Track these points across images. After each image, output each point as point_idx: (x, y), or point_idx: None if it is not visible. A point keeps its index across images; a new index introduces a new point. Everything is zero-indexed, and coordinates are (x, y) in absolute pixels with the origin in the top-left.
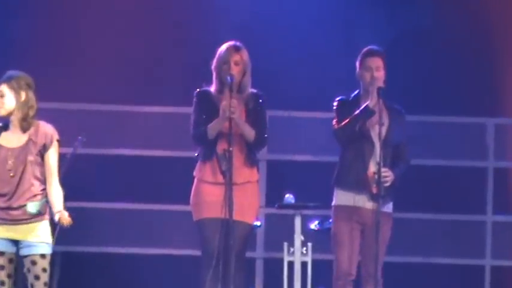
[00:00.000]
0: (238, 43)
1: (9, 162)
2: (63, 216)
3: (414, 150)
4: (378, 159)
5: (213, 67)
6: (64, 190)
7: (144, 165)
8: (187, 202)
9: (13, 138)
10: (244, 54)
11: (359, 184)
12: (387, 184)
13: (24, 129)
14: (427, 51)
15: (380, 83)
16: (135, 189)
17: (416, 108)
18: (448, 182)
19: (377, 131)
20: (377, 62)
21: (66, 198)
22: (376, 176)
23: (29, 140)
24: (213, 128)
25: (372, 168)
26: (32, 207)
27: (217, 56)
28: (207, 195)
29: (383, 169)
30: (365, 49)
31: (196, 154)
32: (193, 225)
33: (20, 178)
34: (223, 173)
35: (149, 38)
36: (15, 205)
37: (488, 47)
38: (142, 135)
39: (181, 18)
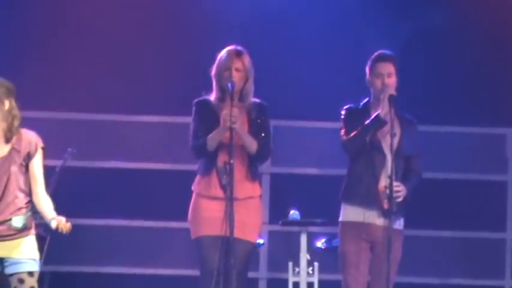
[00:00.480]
0: (239, 47)
1: None
2: (61, 222)
3: (427, 163)
4: (389, 172)
5: (212, 74)
6: (53, 205)
7: (138, 178)
8: (185, 218)
9: None
10: (246, 60)
11: (369, 199)
12: (399, 200)
13: (7, 140)
14: (442, 56)
15: (392, 91)
16: (129, 204)
17: (430, 118)
18: (465, 197)
19: (388, 142)
20: (388, 68)
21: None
22: (387, 191)
23: (12, 149)
24: (213, 139)
25: (383, 182)
26: (18, 221)
27: (217, 61)
28: (206, 211)
29: (395, 183)
30: (375, 54)
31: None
32: (192, 243)
33: (4, 190)
34: (223, 187)
35: (144, 44)
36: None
37: (509, 51)
38: (137, 147)
39: (179, 23)
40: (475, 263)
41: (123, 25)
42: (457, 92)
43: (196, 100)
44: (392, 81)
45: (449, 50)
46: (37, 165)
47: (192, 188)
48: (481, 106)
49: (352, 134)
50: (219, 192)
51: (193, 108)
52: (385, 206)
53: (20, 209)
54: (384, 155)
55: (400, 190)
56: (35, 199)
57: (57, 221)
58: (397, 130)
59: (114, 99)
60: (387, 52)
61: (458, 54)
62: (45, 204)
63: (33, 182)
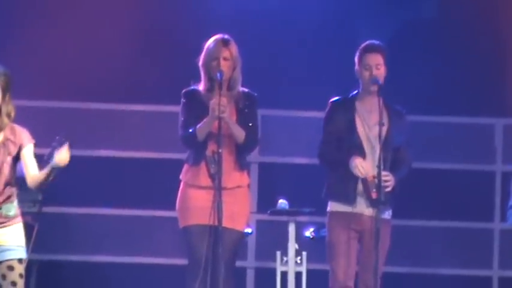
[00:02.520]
0: (226, 36)
1: None
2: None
3: (416, 153)
4: (377, 162)
5: (200, 64)
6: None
7: (126, 167)
8: (173, 207)
9: None
10: (234, 49)
11: (354, 195)
12: (388, 189)
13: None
14: (431, 47)
15: (380, 81)
16: (117, 193)
17: (419, 108)
18: (453, 187)
19: (376, 132)
20: (377, 59)
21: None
22: (376, 180)
23: (7, 139)
24: (202, 129)
25: (371, 172)
26: (9, 208)
27: (204, 51)
28: (195, 200)
29: (383, 173)
30: (364, 44)
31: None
32: (180, 232)
33: None
34: (211, 176)
35: (132, 33)
36: None
37: (498, 42)
38: (125, 136)
39: (167, 12)
40: (463, 253)
41: (113, 14)
42: (445, 82)
43: (184, 90)
44: (380, 72)
45: (437, 40)
46: (30, 154)
47: (180, 177)
48: (469, 96)
49: (327, 156)
50: (207, 182)
51: (182, 99)
52: (374, 195)
53: (9, 197)
54: (364, 154)
55: (389, 180)
56: (31, 180)
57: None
58: (386, 120)
59: (101, 88)
60: (376, 42)
61: (447, 44)
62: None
63: (28, 167)
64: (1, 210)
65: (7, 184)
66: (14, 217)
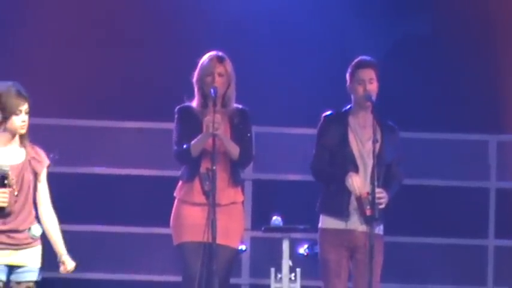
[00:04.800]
0: (221, 53)
1: (12, 179)
2: (68, 263)
3: (409, 169)
4: (369, 178)
5: (194, 80)
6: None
7: (120, 184)
8: (167, 224)
9: (11, 154)
10: (228, 65)
11: (348, 210)
12: (382, 206)
13: (23, 145)
14: (424, 62)
15: (373, 97)
16: (111, 210)
17: (412, 124)
18: (447, 203)
19: (369, 148)
20: (370, 74)
21: (37, 220)
22: (370, 197)
23: (32, 158)
24: (196, 145)
25: (364, 189)
26: (37, 230)
27: (198, 67)
28: (189, 217)
29: (377, 190)
30: (356, 60)
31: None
32: (174, 249)
33: (26, 197)
34: (206, 193)
35: (125, 50)
36: (20, 228)
37: (491, 59)
38: (119, 153)
39: (160, 29)
40: (458, 270)
41: (106, 31)
42: (439, 98)
43: (178, 107)
44: (373, 87)
45: (432, 56)
46: (46, 180)
47: (174, 194)
48: (463, 112)
49: (319, 172)
50: (201, 199)
51: (176, 115)
52: (368, 212)
53: (34, 218)
54: (357, 167)
55: (383, 197)
56: (44, 216)
57: (66, 262)
58: (378, 136)
59: (95, 105)
60: (367, 58)
61: (441, 61)
62: (55, 229)
63: (44, 196)
64: (30, 231)
65: (32, 204)
66: (38, 238)
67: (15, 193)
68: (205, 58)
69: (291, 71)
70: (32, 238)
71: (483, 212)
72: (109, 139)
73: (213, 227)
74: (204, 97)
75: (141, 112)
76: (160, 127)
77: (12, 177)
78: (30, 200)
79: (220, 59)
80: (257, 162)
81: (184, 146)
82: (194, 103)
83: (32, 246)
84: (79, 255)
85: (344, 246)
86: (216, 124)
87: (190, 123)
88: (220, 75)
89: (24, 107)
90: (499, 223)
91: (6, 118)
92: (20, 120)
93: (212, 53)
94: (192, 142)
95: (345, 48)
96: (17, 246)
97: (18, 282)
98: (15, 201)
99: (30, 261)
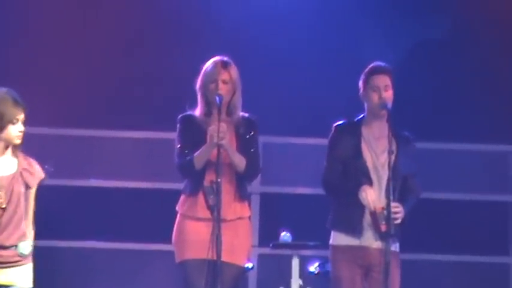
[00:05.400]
0: (226, 58)
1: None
2: None
3: (426, 182)
4: (384, 192)
5: (197, 87)
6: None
7: (119, 198)
8: (169, 241)
9: (2, 164)
10: (234, 71)
11: (361, 225)
12: (398, 221)
13: (15, 155)
14: (441, 68)
15: (389, 105)
16: (109, 226)
17: (428, 135)
18: (465, 218)
19: (384, 160)
20: (385, 80)
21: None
22: (385, 212)
23: (24, 169)
24: (200, 157)
25: (379, 203)
26: (25, 248)
27: (202, 74)
28: (192, 233)
29: (393, 204)
30: (370, 66)
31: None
32: (176, 267)
33: (15, 211)
34: (210, 208)
35: (124, 57)
36: (6, 243)
37: None
38: (117, 164)
39: (160, 35)
40: None
41: (102, 38)
42: (458, 107)
43: (180, 116)
44: (389, 94)
45: (449, 61)
46: (34, 195)
47: (177, 208)
48: (483, 122)
49: (331, 186)
50: (206, 213)
51: (178, 125)
52: (383, 228)
53: (24, 234)
54: (371, 181)
55: (399, 211)
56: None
57: None
58: (394, 148)
59: (92, 114)
60: (382, 64)
61: (459, 66)
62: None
63: (27, 211)
64: (17, 249)
65: (22, 219)
66: (28, 256)
67: (3, 205)
68: (209, 64)
69: (300, 77)
70: (20, 256)
71: (504, 227)
72: (106, 150)
73: (217, 243)
74: (208, 105)
75: (141, 121)
76: (161, 137)
77: (1, 188)
78: (20, 214)
79: (224, 65)
80: (265, 174)
81: (188, 158)
82: (197, 112)
83: (21, 265)
84: (75, 272)
85: (357, 264)
86: (221, 134)
87: (193, 133)
88: (224, 82)
89: (21, 116)
90: None
91: (1, 127)
92: (17, 130)
93: (216, 58)
94: (196, 154)
95: (357, 53)
96: (3, 264)
97: None
98: (2, 215)
99: (19, 280)
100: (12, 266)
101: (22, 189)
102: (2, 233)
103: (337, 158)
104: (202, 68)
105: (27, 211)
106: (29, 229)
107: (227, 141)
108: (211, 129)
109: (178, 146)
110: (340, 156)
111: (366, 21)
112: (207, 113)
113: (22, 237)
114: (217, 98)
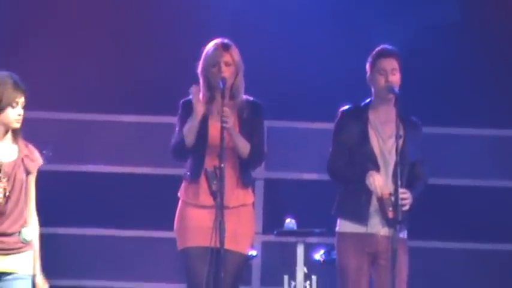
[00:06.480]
0: (226, 40)
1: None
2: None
3: (435, 168)
4: (390, 178)
5: (199, 71)
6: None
7: (120, 184)
8: (170, 228)
9: (3, 151)
10: (235, 53)
11: (368, 213)
12: (405, 208)
13: (16, 141)
14: (450, 53)
15: (396, 89)
16: (109, 212)
17: (436, 119)
18: (476, 204)
19: (391, 145)
20: (392, 64)
21: None
22: (392, 198)
23: (25, 156)
24: (187, 131)
25: (386, 189)
26: (27, 234)
27: (203, 57)
28: (194, 220)
29: (401, 190)
30: (377, 49)
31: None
32: (178, 255)
33: (18, 198)
34: (213, 194)
35: (123, 40)
36: (9, 231)
37: None
38: (116, 149)
39: (161, 17)
40: (488, 278)
41: (102, 22)
42: (468, 91)
43: (183, 100)
44: (396, 78)
45: (462, 45)
46: (34, 181)
47: (179, 194)
48: (491, 107)
49: (337, 172)
50: (208, 200)
51: (179, 110)
52: (390, 215)
53: (25, 221)
54: (378, 167)
55: (406, 197)
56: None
57: (39, 284)
58: (401, 133)
59: (91, 97)
60: (390, 47)
61: (468, 52)
62: (34, 234)
63: (29, 198)
64: (20, 235)
65: (24, 205)
66: (29, 243)
67: (7, 193)
68: (209, 46)
69: (305, 60)
70: (23, 242)
71: None
72: (107, 134)
73: (221, 230)
74: (211, 89)
75: (142, 105)
76: (164, 121)
77: (4, 175)
78: (22, 201)
79: (226, 47)
80: (269, 159)
81: (178, 137)
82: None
83: (22, 252)
84: (75, 260)
85: (365, 252)
86: (225, 118)
87: None
88: (227, 64)
89: (21, 100)
90: None
91: (0, 109)
92: (16, 114)
93: (217, 40)
94: (184, 129)
95: (364, 37)
96: (6, 251)
97: None
98: (6, 202)
99: (20, 267)
100: (14, 253)
101: (24, 175)
102: (6, 220)
103: (342, 144)
104: (203, 51)
105: (28, 198)
106: (32, 216)
107: (231, 125)
108: (196, 99)
109: (177, 129)
110: (346, 142)
111: (373, 3)
112: (210, 97)
113: (24, 224)
114: (220, 83)
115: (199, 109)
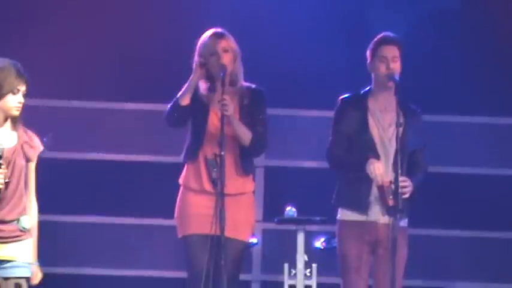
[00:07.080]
0: (220, 29)
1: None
2: (35, 276)
3: (436, 156)
4: (391, 166)
5: (195, 64)
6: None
7: (120, 171)
8: (171, 215)
9: (2, 137)
10: (231, 40)
11: (368, 200)
12: (406, 196)
13: (15, 128)
14: (453, 40)
15: (396, 77)
16: (109, 200)
17: (437, 107)
18: (477, 192)
19: (391, 133)
20: (393, 51)
21: None
22: (392, 186)
23: (24, 142)
24: (184, 91)
25: (387, 177)
26: (26, 222)
27: (199, 48)
28: (194, 207)
29: (401, 178)
30: (378, 36)
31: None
32: (178, 242)
33: (17, 185)
34: (213, 181)
35: (125, 28)
36: (7, 218)
37: None
38: (118, 137)
39: (163, 6)
40: (488, 265)
41: (106, 9)
42: (468, 79)
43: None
44: (397, 65)
45: (462, 33)
46: (34, 169)
47: (179, 181)
48: (494, 95)
49: (336, 160)
50: (208, 186)
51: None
52: (390, 203)
53: (24, 209)
54: (378, 156)
55: (407, 185)
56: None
57: (34, 272)
58: (402, 121)
59: (91, 85)
60: (391, 35)
61: (470, 39)
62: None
63: (28, 185)
64: (19, 223)
65: (23, 193)
66: (28, 230)
67: (6, 179)
68: (204, 37)
69: (305, 48)
70: (21, 230)
71: None
72: (106, 122)
73: (221, 218)
74: (211, 78)
75: (143, 93)
76: (163, 109)
77: (3, 161)
78: (21, 188)
79: (220, 35)
80: (270, 148)
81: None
82: (201, 86)
83: (21, 240)
84: (74, 248)
85: (365, 240)
86: (225, 106)
87: (197, 109)
88: (225, 50)
89: (23, 88)
90: None
91: (1, 95)
92: (16, 101)
93: (210, 30)
94: (179, 94)
95: (366, 24)
96: (4, 239)
97: (6, 278)
98: (6, 188)
99: (19, 255)
100: (13, 241)
101: (23, 162)
102: (5, 207)
103: (342, 133)
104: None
105: (28, 185)
106: (31, 203)
107: (232, 112)
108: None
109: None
110: (346, 131)
111: None
112: (211, 88)
113: (23, 211)
114: (221, 72)
115: (198, 72)
